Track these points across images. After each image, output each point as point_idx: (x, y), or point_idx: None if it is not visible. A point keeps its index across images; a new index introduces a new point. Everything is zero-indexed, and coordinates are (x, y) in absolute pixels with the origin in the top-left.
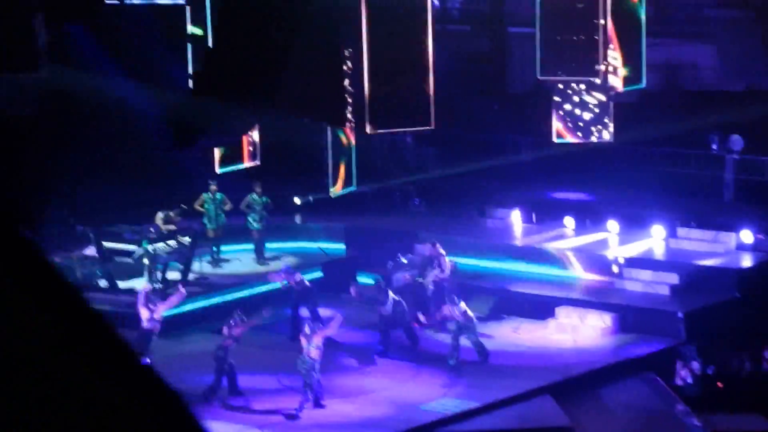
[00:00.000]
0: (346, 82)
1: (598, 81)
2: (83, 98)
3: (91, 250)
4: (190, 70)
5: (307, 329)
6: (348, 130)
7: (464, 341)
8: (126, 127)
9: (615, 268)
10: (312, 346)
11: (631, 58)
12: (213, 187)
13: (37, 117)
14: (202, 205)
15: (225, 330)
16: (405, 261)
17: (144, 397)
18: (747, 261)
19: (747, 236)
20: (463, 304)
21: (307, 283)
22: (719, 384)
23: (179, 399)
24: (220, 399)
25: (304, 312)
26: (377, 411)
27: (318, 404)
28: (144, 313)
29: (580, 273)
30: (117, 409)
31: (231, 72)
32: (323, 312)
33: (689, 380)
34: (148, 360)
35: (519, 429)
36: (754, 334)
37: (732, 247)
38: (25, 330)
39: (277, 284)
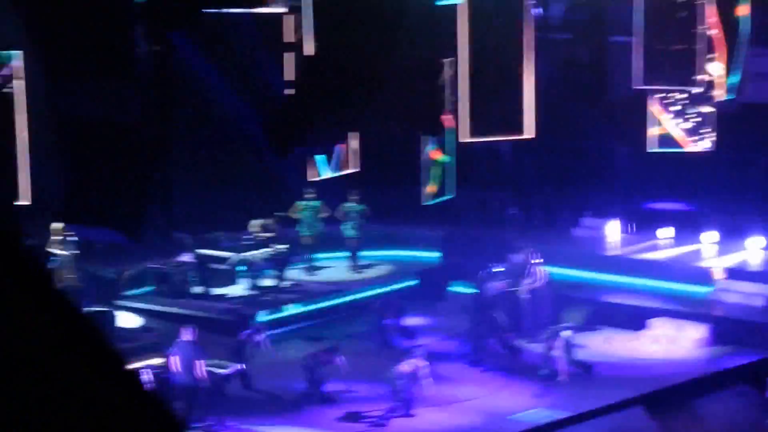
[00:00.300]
0: (445, 90)
1: (696, 90)
2: (183, 106)
3: (187, 257)
4: (289, 77)
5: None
6: (435, 151)
7: (557, 353)
8: (225, 135)
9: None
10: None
11: (735, 67)
12: (310, 195)
13: (137, 124)
14: (297, 212)
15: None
16: (500, 270)
17: (129, 399)
18: None
19: None
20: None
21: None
22: None
23: (163, 402)
24: (309, 405)
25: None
26: (466, 420)
27: (407, 413)
28: None
29: (677, 284)
30: (103, 408)
31: (329, 80)
32: (414, 321)
33: None
34: (243, 366)
35: None
36: None
37: None
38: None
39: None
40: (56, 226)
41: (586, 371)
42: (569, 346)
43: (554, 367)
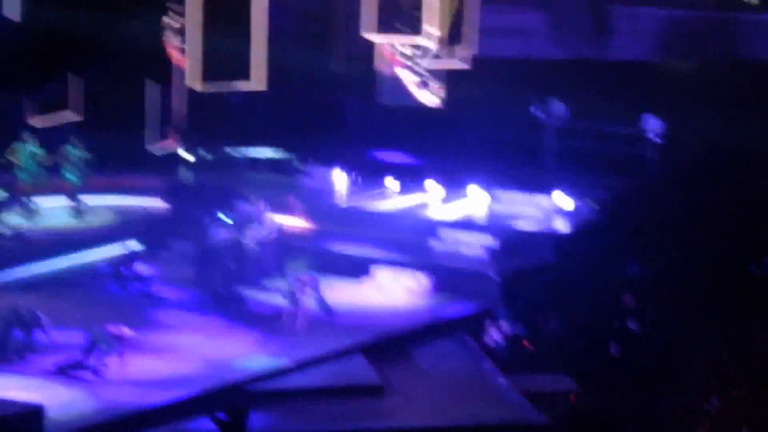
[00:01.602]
0: (175, 38)
1: (428, 45)
2: None
3: None
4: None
5: None
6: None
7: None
8: None
9: None
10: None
11: (462, 24)
12: (29, 139)
13: None
14: (16, 157)
15: None
16: (227, 220)
17: None
18: (563, 226)
19: (564, 201)
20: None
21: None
22: (528, 345)
23: None
24: (21, 356)
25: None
26: (187, 367)
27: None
28: None
29: (400, 234)
30: None
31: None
32: (139, 268)
33: (499, 341)
34: None
35: (330, 387)
36: (565, 296)
37: (550, 211)
38: None
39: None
40: None
41: (328, 315)
42: (312, 289)
43: (294, 312)
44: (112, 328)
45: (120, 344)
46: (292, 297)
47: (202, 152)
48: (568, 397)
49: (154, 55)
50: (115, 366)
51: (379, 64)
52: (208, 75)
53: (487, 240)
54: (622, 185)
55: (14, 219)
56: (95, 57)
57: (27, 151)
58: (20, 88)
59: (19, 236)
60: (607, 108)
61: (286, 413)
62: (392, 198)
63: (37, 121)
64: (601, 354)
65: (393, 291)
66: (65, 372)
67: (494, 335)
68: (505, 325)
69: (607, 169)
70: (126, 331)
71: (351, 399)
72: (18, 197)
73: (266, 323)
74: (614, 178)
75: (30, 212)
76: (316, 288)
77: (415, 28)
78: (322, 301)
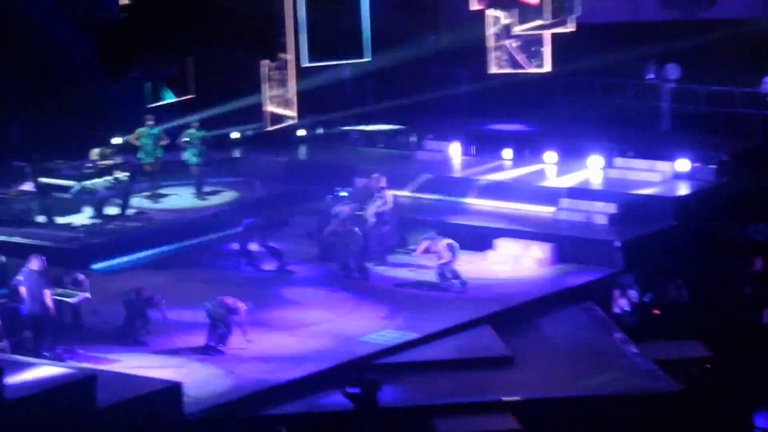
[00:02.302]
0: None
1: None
2: (11, 29)
3: (28, 186)
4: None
5: None
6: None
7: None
8: (56, 59)
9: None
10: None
11: None
12: (150, 122)
13: None
14: (138, 140)
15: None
16: (345, 194)
17: None
18: (683, 189)
19: (683, 165)
20: (444, 239)
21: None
22: (656, 312)
23: None
24: (150, 335)
25: (254, 246)
26: (317, 343)
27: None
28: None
29: (520, 204)
30: None
31: (160, 4)
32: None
33: (627, 309)
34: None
35: (459, 359)
36: (690, 261)
37: (669, 175)
38: None
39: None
40: None
41: (462, 285)
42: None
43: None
44: (230, 304)
45: (241, 321)
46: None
47: (318, 128)
48: (702, 364)
49: (266, 32)
50: (242, 342)
51: (488, 35)
52: (317, 51)
53: (609, 207)
54: (741, 146)
55: (139, 201)
56: (209, 37)
57: (148, 134)
58: (138, 71)
59: (144, 218)
60: (722, 68)
61: (415, 386)
62: (510, 169)
63: (155, 104)
64: (733, 319)
65: (517, 262)
66: (198, 351)
67: (620, 303)
68: (632, 292)
69: (725, 130)
70: (242, 306)
71: (480, 370)
72: (141, 181)
73: (394, 297)
74: (733, 139)
75: (154, 194)
76: (453, 256)
77: None
78: (454, 272)
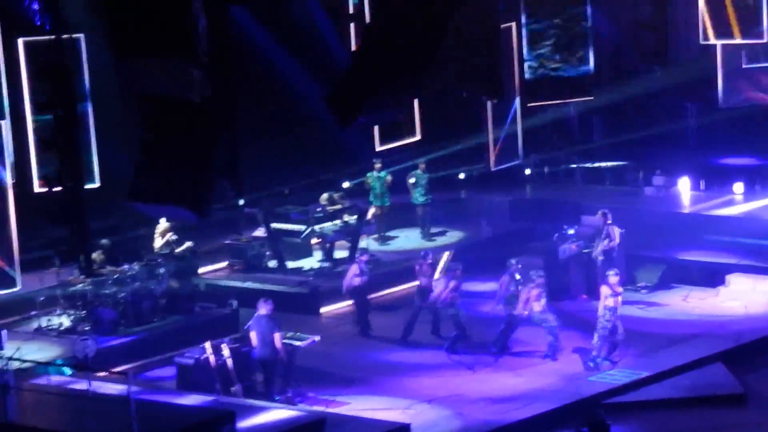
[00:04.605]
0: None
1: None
2: (247, 80)
3: (260, 232)
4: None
5: None
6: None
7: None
8: (289, 107)
9: None
10: None
11: None
12: (377, 165)
13: (201, 101)
14: (367, 184)
15: None
16: (572, 232)
17: None
18: None
19: None
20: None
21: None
22: None
23: None
24: (383, 375)
25: None
26: (545, 383)
27: None
28: None
29: (752, 239)
30: None
31: (388, 48)
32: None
33: None
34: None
35: (691, 397)
36: None
37: None
38: None
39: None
40: (163, 226)
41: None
42: None
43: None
44: None
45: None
46: None
47: (544, 166)
48: None
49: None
50: (476, 384)
51: (717, 68)
52: (539, 91)
53: None
54: None
55: (368, 243)
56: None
57: (376, 178)
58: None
59: (373, 260)
60: None
61: (647, 425)
62: (740, 203)
63: (383, 147)
64: None
65: (750, 297)
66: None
67: None
68: None
69: None
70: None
71: (712, 408)
72: (369, 224)
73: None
74: None
75: (382, 236)
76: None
77: (750, 28)
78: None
